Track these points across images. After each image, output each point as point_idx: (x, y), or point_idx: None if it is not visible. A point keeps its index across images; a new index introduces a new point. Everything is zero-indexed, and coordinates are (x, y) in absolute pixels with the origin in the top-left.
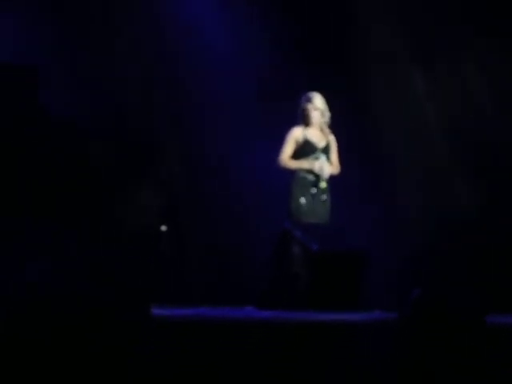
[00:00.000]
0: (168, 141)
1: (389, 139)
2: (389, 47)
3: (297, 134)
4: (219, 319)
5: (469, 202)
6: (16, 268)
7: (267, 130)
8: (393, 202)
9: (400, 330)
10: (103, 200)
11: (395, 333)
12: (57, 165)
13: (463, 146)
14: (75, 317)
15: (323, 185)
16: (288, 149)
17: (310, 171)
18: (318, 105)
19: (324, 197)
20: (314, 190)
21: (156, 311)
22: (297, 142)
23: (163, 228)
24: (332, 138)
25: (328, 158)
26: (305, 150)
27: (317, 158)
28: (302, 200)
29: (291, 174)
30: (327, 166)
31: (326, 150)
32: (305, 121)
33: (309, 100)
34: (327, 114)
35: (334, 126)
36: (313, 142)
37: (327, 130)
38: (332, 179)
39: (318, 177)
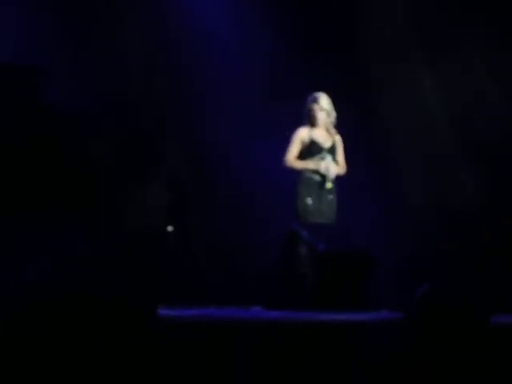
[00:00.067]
0: (172, 135)
1: (395, 139)
2: (397, 46)
3: (303, 134)
4: (226, 320)
5: (476, 201)
6: (16, 268)
7: (273, 130)
8: (399, 201)
9: (404, 329)
10: (108, 200)
11: (401, 332)
12: (58, 164)
13: (470, 147)
14: (77, 318)
15: (329, 185)
16: (294, 149)
17: (316, 171)
18: (323, 105)
19: (330, 197)
20: (320, 191)
21: (163, 312)
22: (303, 143)
23: (170, 228)
24: (338, 139)
25: (334, 159)
26: (311, 150)
27: (323, 159)
28: (309, 200)
29: (297, 174)
30: (333, 167)
31: (331, 151)
32: (311, 121)
33: (314, 100)
34: (333, 115)
35: (340, 126)
36: (319, 142)
37: (333, 131)
38: (338, 179)
39: (324, 177)
